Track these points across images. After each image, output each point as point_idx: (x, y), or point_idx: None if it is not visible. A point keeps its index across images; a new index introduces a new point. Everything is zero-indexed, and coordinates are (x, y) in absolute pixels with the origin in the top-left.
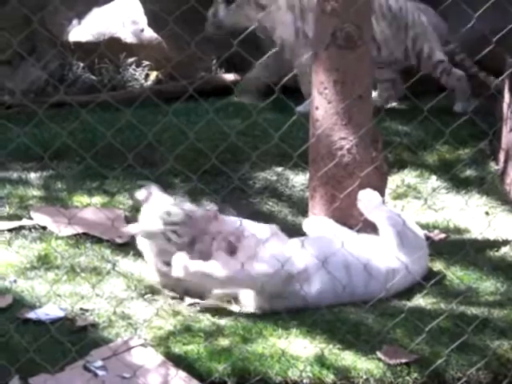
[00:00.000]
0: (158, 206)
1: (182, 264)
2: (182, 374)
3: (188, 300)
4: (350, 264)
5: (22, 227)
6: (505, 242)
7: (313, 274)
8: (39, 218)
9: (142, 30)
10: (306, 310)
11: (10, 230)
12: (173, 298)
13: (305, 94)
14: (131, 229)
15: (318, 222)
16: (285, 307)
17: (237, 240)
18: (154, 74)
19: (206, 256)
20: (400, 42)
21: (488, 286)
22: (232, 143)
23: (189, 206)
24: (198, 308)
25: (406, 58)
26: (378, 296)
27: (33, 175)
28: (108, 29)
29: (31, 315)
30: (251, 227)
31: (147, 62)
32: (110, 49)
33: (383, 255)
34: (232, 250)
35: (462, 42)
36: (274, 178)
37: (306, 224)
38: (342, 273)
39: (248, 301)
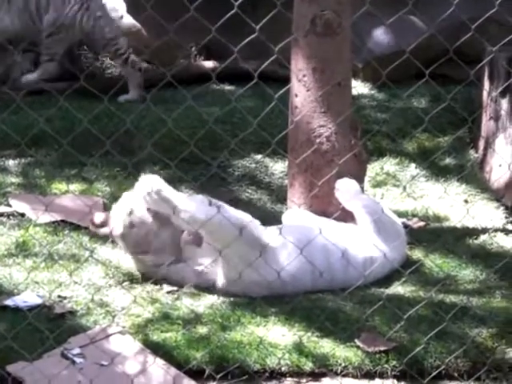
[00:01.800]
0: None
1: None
2: (160, 361)
3: (166, 287)
4: (329, 250)
5: None
6: (484, 230)
7: (290, 256)
8: (17, 205)
9: (121, 17)
10: (284, 298)
11: None
12: (152, 283)
13: None
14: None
15: (296, 214)
16: (259, 286)
17: None
18: None
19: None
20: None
21: (467, 273)
22: (211, 130)
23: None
24: (176, 295)
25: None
26: (356, 283)
27: (11, 162)
28: None
29: (9, 302)
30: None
31: None
32: None
33: (361, 243)
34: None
35: (441, 29)
36: (253, 165)
37: (286, 216)
38: (320, 258)
39: (223, 283)
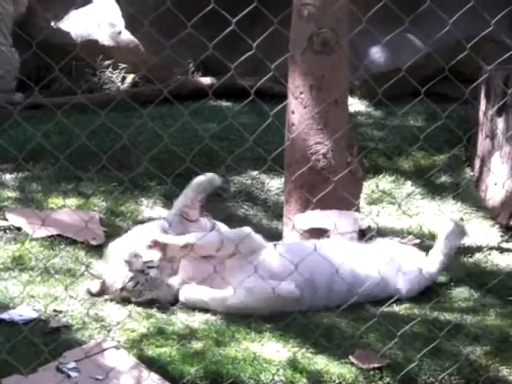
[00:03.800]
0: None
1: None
2: (155, 376)
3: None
4: (334, 282)
5: None
6: (479, 248)
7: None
8: (14, 220)
9: (119, 33)
10: (279, 314)
11: None
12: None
13: None
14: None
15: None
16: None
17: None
18: (130, 77)
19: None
20: None
21: (461, 291)
22: (207, 146)
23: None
24: (171, 311)
25: None
26: (350, 301)
27: (8, 176)
28: (85, 31)
29: (4, 316)
30: (228, 238)
31: (124, 65)
32: (87, 51)
33: (363, 262)
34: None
35: (437, 47)
36: (249, 181)
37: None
38: (325, 288)
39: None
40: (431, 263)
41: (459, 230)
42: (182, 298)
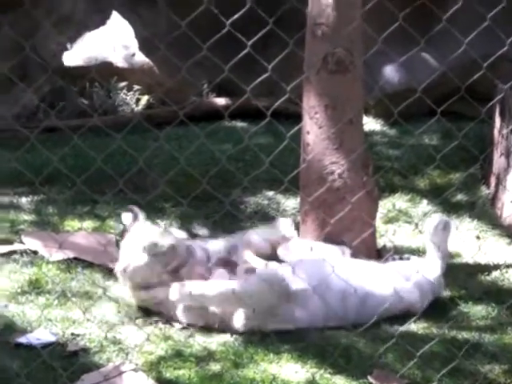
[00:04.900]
0: (142, 236)
1: (177, 288)
2: None
3: (179, 324)
4: (346, 292)
5: (13, 252)
6: (496, 266)
7: (308, 297)
8: (30, 243)
9: (134, 55)
10: (297, 334)
11: (1, 255)
12: (164, 322)
13: None
14: (119, 268)
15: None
16: (275, 328)
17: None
18: (144, 99)
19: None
20: None
21: (479, 310)
22: (223, 168)
23: (174, 235)
24: (189, 333)
25: None
26: (369, 322)
27: (24, 200)
28: (99, 53)
29: (22, 340)
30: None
31: (138, 87)
32: (101, 73)
33: (377, 281)
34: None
35: (453, 67)
36: (265, 202)
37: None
38: (337, 300)
39: (239, 322)
40: (433, 271)
41: (442, 225)
42: (174, 295)
